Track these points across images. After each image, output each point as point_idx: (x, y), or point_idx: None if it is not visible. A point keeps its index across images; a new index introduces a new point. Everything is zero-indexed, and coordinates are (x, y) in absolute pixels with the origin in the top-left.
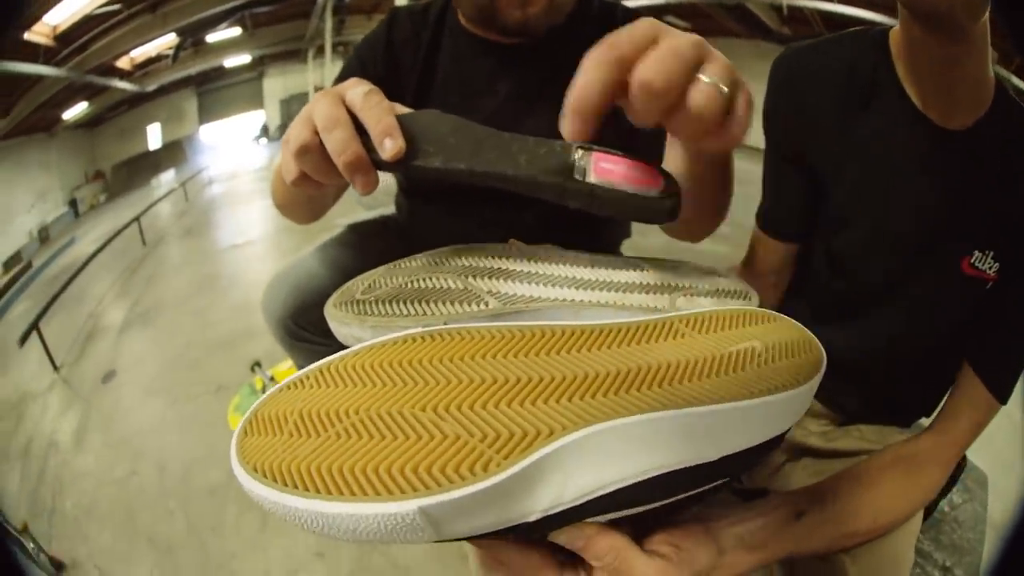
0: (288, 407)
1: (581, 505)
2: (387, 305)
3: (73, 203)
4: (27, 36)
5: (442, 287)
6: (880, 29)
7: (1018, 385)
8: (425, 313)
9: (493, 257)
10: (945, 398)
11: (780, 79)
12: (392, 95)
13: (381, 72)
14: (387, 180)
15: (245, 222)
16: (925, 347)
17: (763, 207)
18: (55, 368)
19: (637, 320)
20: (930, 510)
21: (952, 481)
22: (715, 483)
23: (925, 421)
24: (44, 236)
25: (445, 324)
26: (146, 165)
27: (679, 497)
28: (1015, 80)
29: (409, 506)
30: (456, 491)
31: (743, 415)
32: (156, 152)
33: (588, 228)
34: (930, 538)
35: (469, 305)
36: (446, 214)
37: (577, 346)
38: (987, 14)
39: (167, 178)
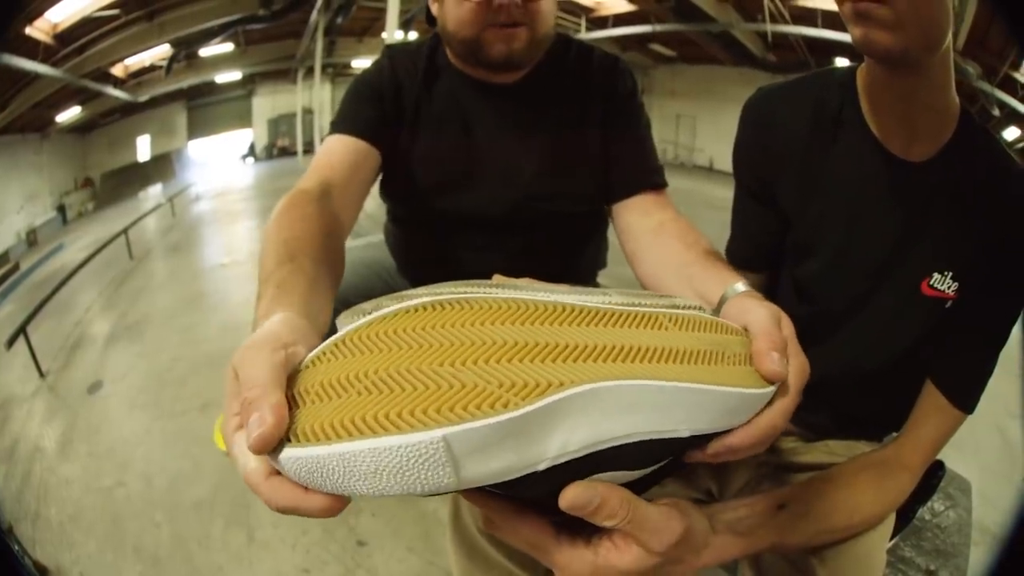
0: (308, 382)
1: (581, 459)
2: (401, 300)
3: (61, 208)
4: (29, 31)
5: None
6: (849, 67)
7: (1015, 396)
8: (439, 294)
9: (486, 287)
10: (913, 410)
11: (750, 121)
12: (395, 113)
13: (388, 91)
14: (370, 210)
15: (232, 241)
16: (889, 365)
17: (732, 241)
18: (41, 375)
19: (627, 308)
20: (908, 517)
21: (930, 489)
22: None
23: (895, 434)
24: (32, 239)
25: (453, 293)
26: (135, 176)
27: (651, 468)
28: (999, 94)
29: (434, 435)
30: (478, 422)
31: (714, 400)
32: (145, 164)
33: (569, 255)
34: (911, 544)
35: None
36: (438, 240)
37: (576, 321)
38: (950, 47)
39: (154, 191)
